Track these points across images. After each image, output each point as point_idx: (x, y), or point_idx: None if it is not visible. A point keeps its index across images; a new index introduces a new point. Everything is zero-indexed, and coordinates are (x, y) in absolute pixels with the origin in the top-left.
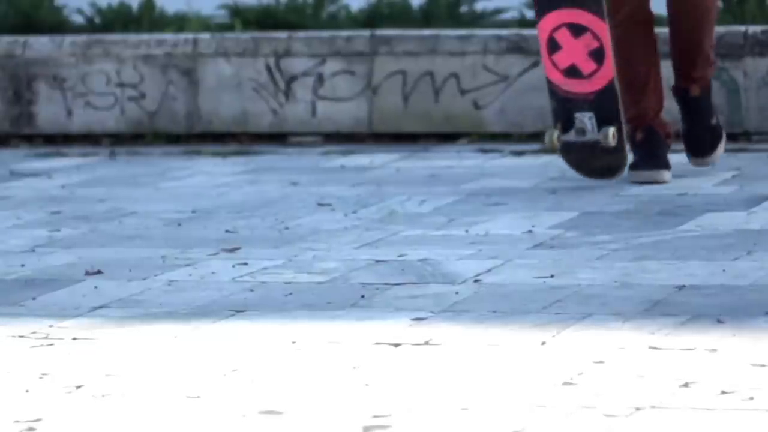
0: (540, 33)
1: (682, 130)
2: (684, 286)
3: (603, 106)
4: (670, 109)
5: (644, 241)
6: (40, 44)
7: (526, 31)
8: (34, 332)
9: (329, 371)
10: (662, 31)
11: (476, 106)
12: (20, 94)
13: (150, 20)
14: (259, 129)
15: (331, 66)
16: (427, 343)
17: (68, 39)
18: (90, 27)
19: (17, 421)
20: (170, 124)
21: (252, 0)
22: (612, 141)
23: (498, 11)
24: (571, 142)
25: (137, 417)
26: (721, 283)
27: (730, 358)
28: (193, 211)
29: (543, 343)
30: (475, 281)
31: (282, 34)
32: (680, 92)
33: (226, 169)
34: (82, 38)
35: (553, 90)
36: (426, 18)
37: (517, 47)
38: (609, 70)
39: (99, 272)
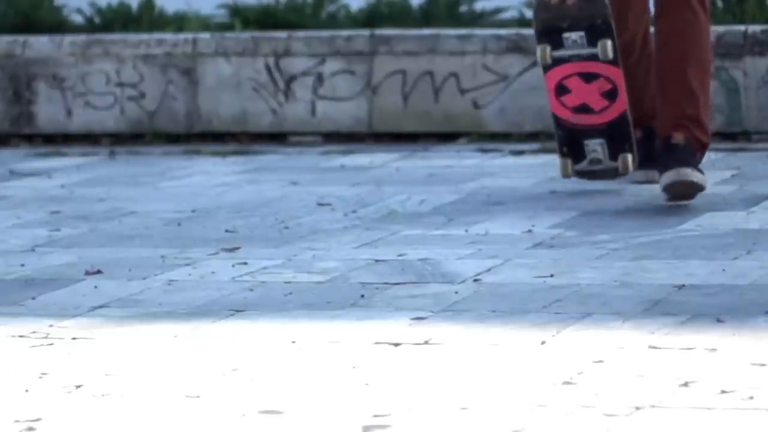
0: (548, 79)
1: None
2: (684, 285)
3: (615, 134)
4: None
5: (644, 240)
6: (39, 44)
7: (525, 31)
8: (34, 332)
9: (329, 371)
10: None
11: (476, 105)
12: (20, 93)
13: (150, 20)
14: (258, 129)
15: (331, 66)
16: (426, 342)
17: (68, 39)
18: (90, 27)
19: (17, 421)
20: (170, 124)
21: (252, 0)
22: (631, 168)
23: (498, 11)
24: (585, 171)
25: (137, 417)
26: (721, 283)
27: (730, 357)
28: (193, 211)
29: (543, 343)
30: (475, 281)
31: (282, 34)
32: (661, 141)
33: (225, 168)
34: (81, 38)
35: (559, 122)
36: (426, 17)
37: (517, 47)
38: (622, 103)
39: (99, 272)
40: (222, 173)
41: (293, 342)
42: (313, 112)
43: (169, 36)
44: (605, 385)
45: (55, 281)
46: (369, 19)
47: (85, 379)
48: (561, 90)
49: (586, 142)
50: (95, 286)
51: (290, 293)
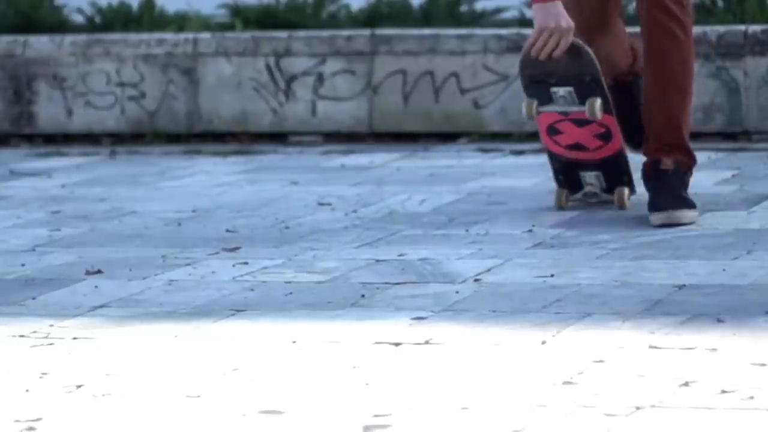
0: (538, 122)
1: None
2: (684, 285)
3: (611, 168)
4: None
5: (644, 240)
6: (40, 44)
7: (526, 31)
8: (34, 332)
9: (329, 371)
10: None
11: (476, 105)
12: (20, 93)
13: (150, 20)
14: (259, 128)
15: (332, 65)
16: (427, 342)
17: (68, 38)
18: (90, 26)
19: (17, 421)
20: (170, 124)
21: (252, 0)
22: (627, 203)
23: (498, 11)
24: (580, 200)
25: (137, 416)
26: (721, 283)
27: (730, 357)
28: (194, 211)
29: (543, 343)
30: (475, 280)
31: (282, 34)
32: (649, 164)
33: (226, 168)
34: (82, 38)
35: (553, 155)
36: (426, 17)
37: (517, 47)
38: (617, 142)
39: (99, 272)
40: (222, 173)
41: (293, 342)
42: (314, 111)
43: (169, 36)
44: (605, 385)
45: (55, 281)
46: (369, 18)
47: (85, 379)
48: (553, 131)
49: (582, 173)
50: (95, 286)
51: (290, 293)
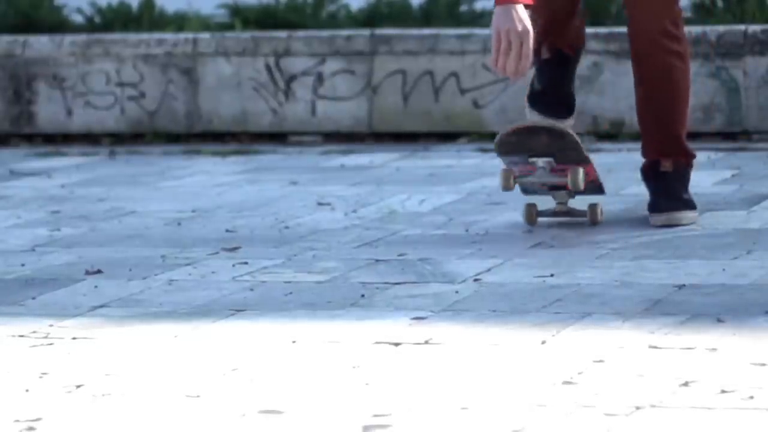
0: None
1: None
2: (684, 285)
3: (585, 192)
4: None
5: (644, 240)
6: (39, 44)
7: None
8: (34, 332)
9: (329, 371)
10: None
11: (476, 105)
12: (20, 93)
13: (150, 20)
14: (258, 128)
15: (331, 65)
16: (427, 342)
17: (68, 38)
18: (90, 26)
19: (17, 421)
20: (170, 124)
21: (252, 0)
22: (600, 217)
23: None
24: (549, 214)
25: (137, 416)
26: (721, 282)
27: (730, 357)
28: (193, 211)
29: (543, 343)
30: (475, 280)
31: (282, 34)
32: (649, 165)
33: (226, 168)
34: (81, 38)
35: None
36: (426, 17)
37: None
38: (593, 174)
39: (99, 272)
40: (222, 173)
41: (293, 342)
42: (313, 111)
43: (169, 36)
44: (605, 384)
45: (55, 281)
46: (369, 18)
47: (85, 379)
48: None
49: (553, 192)
50: (95, 286)
51: (290, 293)
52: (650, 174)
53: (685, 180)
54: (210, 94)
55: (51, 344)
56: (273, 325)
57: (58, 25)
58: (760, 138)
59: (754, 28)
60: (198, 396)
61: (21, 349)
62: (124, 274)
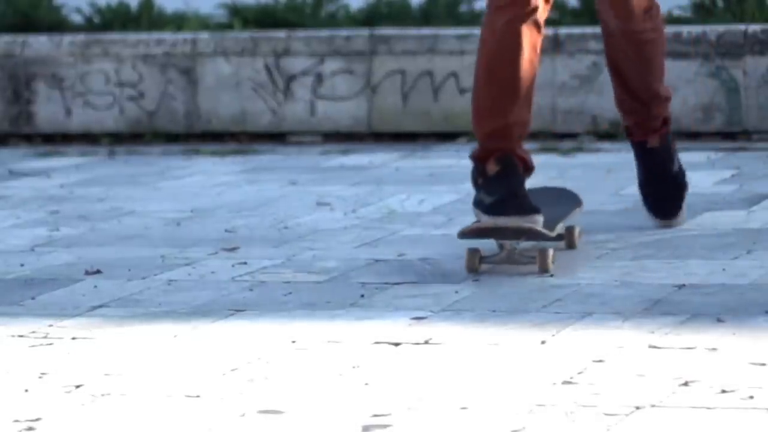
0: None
1: (638, 178)
2: (684, 285)
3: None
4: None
5: (644, 240)
6: (39, 43)
7: None
8: (33, 332)
9: (329, 370)
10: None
11: None
12: (19, 93)
13: (149, 19)
14: (258, 128)
15: (330, 65)
16: (426, 342)
17: (67, 38)
18: (89, 26)
19: (17, 421)
20: (169, 124)
21: (251, 0)
22: (551, 265)
23: None
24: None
25: (137, 417)
26: (721, 282)
27: (730, 357)
28: (192, 211)
29: (543, 342)
30: (475, 280)
31: (281, 34)
32: (636, 143)
33: (225, 168)
34: (80, 37)
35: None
36: (425, 17)
37: None
38: None
39: (98, 272)
40: (221, 173)
41: (293, 342)
42: (313, 111)
43: (168, 36)
44: (605, 384)
45: (54, 281)
46: (368, 18)
47: (84, 379)
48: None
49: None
50: (95, 286)
51: (290, 293)
52: (639, 152)
53: (672, 152)
54: (209, 94)
55: (50, 344)
56: (272, 325)
57: (57, 24)
58: (759, 138)
59: (754, 27)
60: (198, 396)
61: (20, 349)
62: (123, 274)
